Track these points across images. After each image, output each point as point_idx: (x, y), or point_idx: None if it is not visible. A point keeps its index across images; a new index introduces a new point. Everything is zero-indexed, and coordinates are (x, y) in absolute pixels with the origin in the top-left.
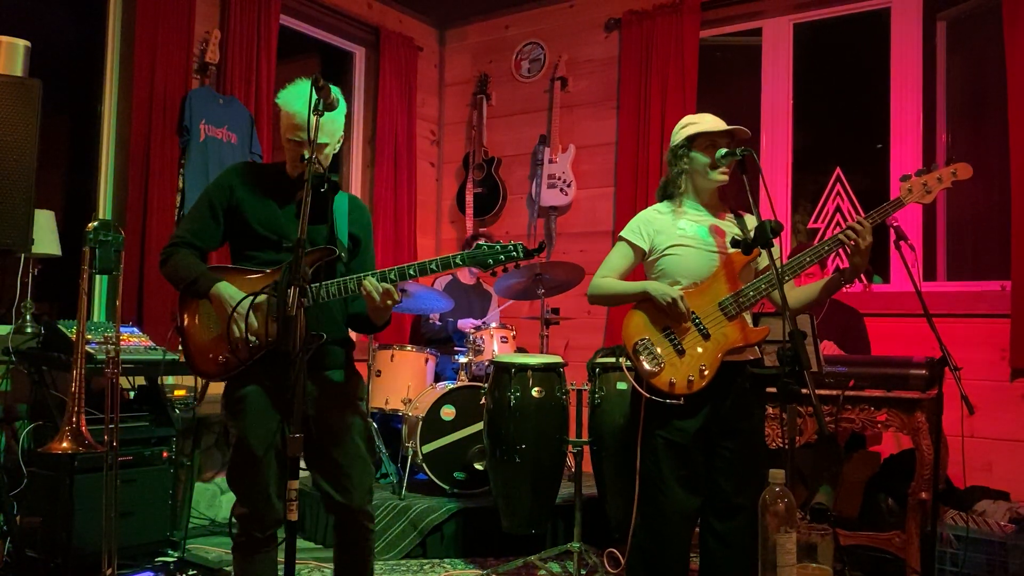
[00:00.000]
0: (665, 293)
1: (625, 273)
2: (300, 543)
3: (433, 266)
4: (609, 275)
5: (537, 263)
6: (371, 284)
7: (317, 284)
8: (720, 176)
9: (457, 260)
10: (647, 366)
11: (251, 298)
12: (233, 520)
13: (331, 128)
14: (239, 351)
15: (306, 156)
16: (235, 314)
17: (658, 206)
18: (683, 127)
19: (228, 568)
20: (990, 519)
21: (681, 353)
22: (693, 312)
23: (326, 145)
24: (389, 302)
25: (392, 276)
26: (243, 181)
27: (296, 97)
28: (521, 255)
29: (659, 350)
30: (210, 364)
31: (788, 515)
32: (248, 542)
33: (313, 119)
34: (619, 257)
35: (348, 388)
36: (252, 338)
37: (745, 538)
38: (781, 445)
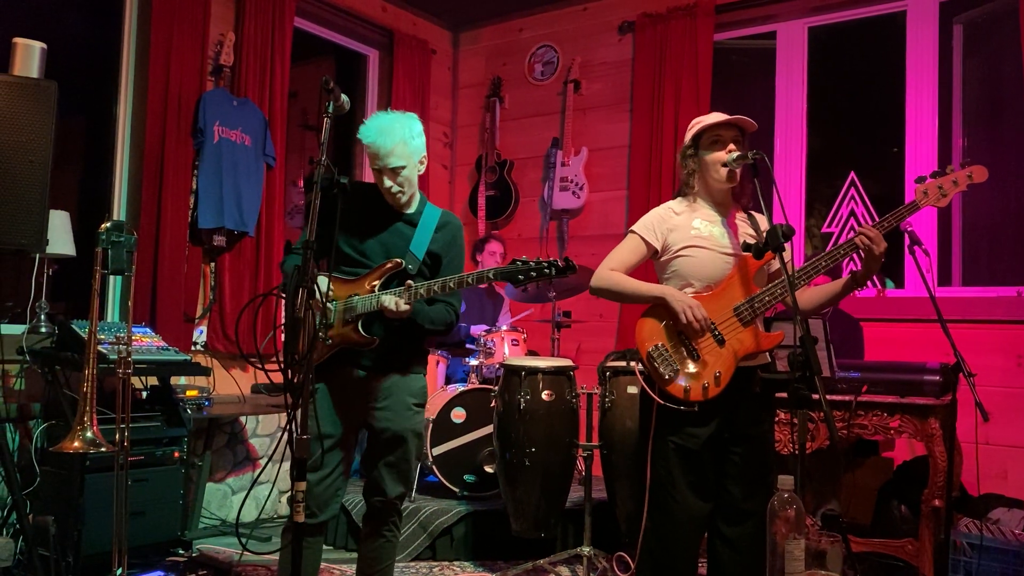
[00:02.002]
0: (684, 306)
1: (632, 268)
2: None
3: (470, 279)
4: (617, 268)
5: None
6: (387, 300)
7: (362, 297)
8: (724, 171)
9: (490, 275)
10: (662, 373)
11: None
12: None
13: (403, 151)
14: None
15: (320, 167)
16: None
17: (672, 204)
18: (690, 128)
19: (238, 568)
20: (1005, 527)
21: (696, 360)
22: (707, 317)
23: (402, 168)
24: (400, 312)
25: (422, 291)
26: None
27: (368, 128)
28: (553, 273)
29: (674, 356)
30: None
31: (797, 521)
32: (295, 543)
33: (326, 121)
34: (629, 252)
35: (401, 391)
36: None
37: (754, 543)
38: (793, 451)
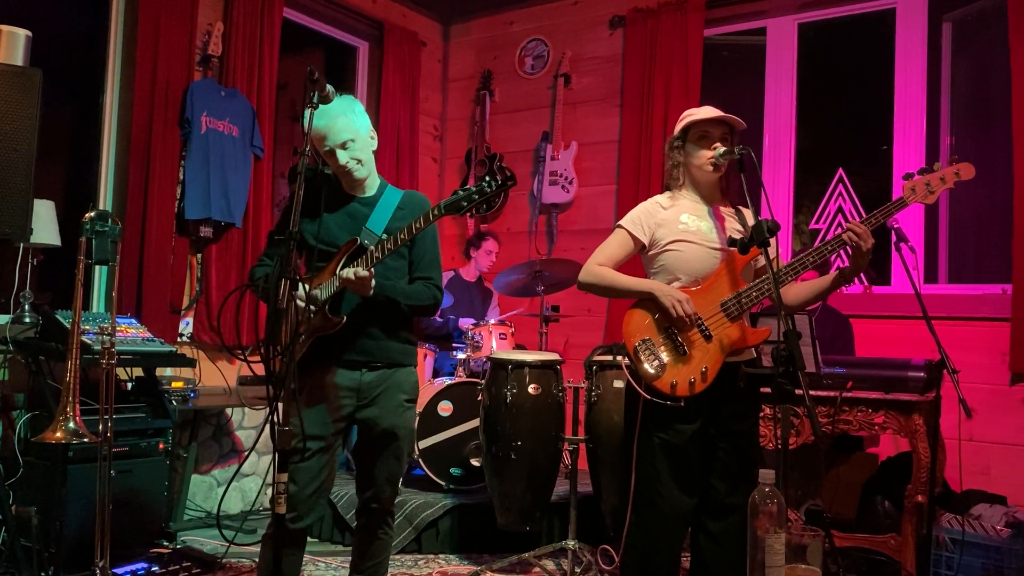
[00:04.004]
0: (674, 300)
1: (620, 263)
2: None
3: (418, 224)
4: (605, 263)
5: (537, 261)
6: (346, 272)
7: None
8: (711, 167)
9: (435, 212)
10: (648, 368)
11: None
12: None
13: (347, 125)
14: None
15: (303, 157)
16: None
17: (659, 198)
18: (680, 120)
19: (223, 560)
20: (986, 523)
21: (683, 355)
22: (695, 312)
23: (351, 140)
24: (356, 282)
25: (377, 255)
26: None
27: (317, 114)
28: (493, 189)
29: (661, 351)
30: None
31: (778, 515)
32: (279, 535)
33: (308, 112)
34: (616, 246)
35: (392, 387)
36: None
37: (738, 538)
38: (777, 445)
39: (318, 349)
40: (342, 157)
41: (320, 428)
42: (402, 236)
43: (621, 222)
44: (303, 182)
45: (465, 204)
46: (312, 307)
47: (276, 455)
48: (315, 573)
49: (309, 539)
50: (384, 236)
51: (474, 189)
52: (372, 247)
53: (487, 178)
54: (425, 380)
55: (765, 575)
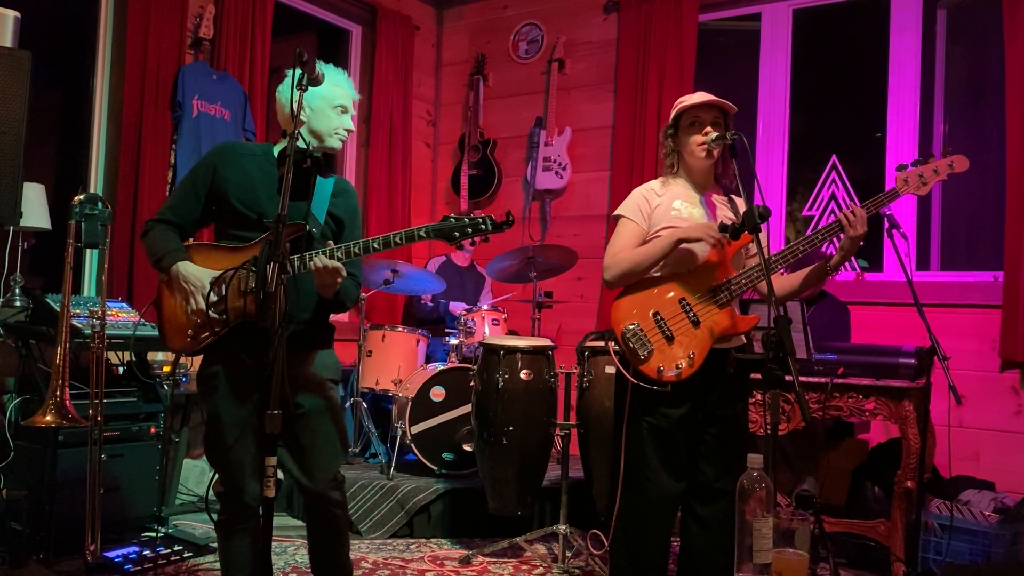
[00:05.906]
0: (702, 230)
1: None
2: (286, 520)
3: (398, 239)
4: (623, 251)
5: (530, 247)
6: (319, 260)
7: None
8: (702, 153)
9: (421, 233)
10: (637, 353)
11: (216, 275)
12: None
13: (353, 99)
14: (206, 326)
15: (292, 140)
16: (192, 290)
17: (652, 184)
18: (674, 107)
19: (214, 544)
20: (974, 509)
21: (670, 340)
22: (683, 298)
23: (352, 117)
24: (338, 279)
25: (339, 255)
26: (227, 160)
27: (329, 70)
28: (489, 228)
29: (648, 336)
30: (179, 339)
31: (766, 500)
32: (230, 520)
33: (296, 94)
34: (629, 234)
35: (320, 368)
36: (217, 315)
37: (725, 522)
38: (766, 430)
39: (235, 331)
40: (345, 121)
41: (237, 413)
42: (374, 246)
43: (623, 213)
44: (292, 165)
45: (456, 235)
46: (243, 288)
47: (265, 439)
48: (299, 554)
49: (296, 521)
50: (328, 224)
51: (467, 222)
52: (348, 244)
53: (485, 217)
54: (418, 365)
55: (753, 559)
